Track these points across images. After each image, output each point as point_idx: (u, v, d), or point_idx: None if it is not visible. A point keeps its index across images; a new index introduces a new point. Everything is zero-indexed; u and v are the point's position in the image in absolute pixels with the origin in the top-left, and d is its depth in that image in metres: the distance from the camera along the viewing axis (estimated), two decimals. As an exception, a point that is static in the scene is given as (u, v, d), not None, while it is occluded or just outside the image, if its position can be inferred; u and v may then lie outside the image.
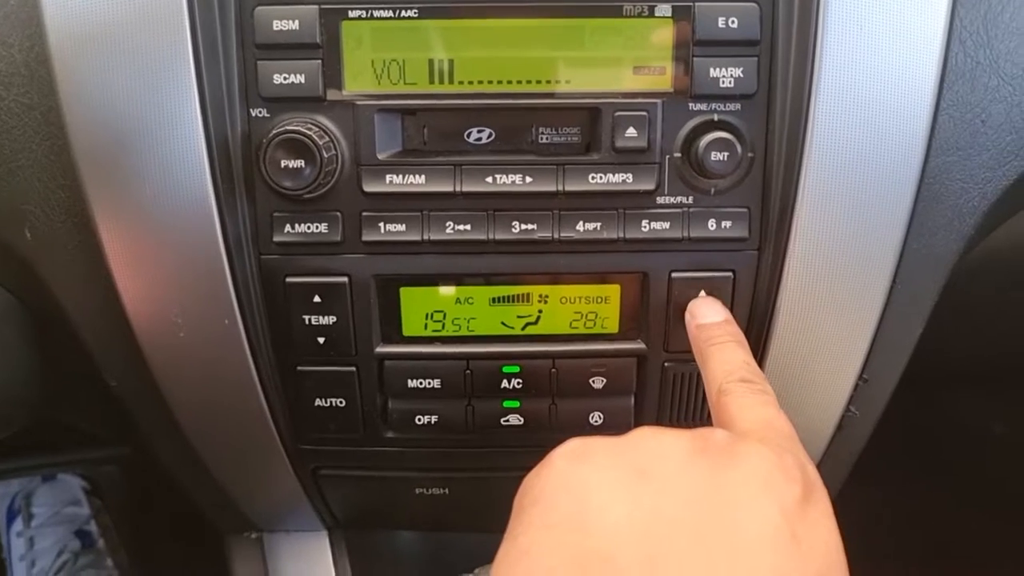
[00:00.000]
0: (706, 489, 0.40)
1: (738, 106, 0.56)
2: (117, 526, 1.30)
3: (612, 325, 0.61)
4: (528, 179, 0.57)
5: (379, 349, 0.61)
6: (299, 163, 0.54)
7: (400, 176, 0.56)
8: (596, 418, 0.63)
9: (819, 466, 0.68)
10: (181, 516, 0.85)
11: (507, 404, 0.63)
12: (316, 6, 0.54)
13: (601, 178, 0.57)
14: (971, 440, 1.29)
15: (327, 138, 0.55)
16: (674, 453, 0.42)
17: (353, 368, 0.61)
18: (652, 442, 0.43)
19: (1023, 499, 1.21)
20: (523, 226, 0.57)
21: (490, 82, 0.56)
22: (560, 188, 0.57)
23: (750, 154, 0.56)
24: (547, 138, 0.57)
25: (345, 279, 0.59)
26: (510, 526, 0.42)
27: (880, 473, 1.26)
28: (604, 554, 0.37)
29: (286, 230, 0.57)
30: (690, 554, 0.37)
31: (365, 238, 0.57)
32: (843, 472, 0.72)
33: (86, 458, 1.23)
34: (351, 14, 0.54)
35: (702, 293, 0.59)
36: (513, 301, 0.61)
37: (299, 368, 0.61)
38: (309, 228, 0.57)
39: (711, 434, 0.44)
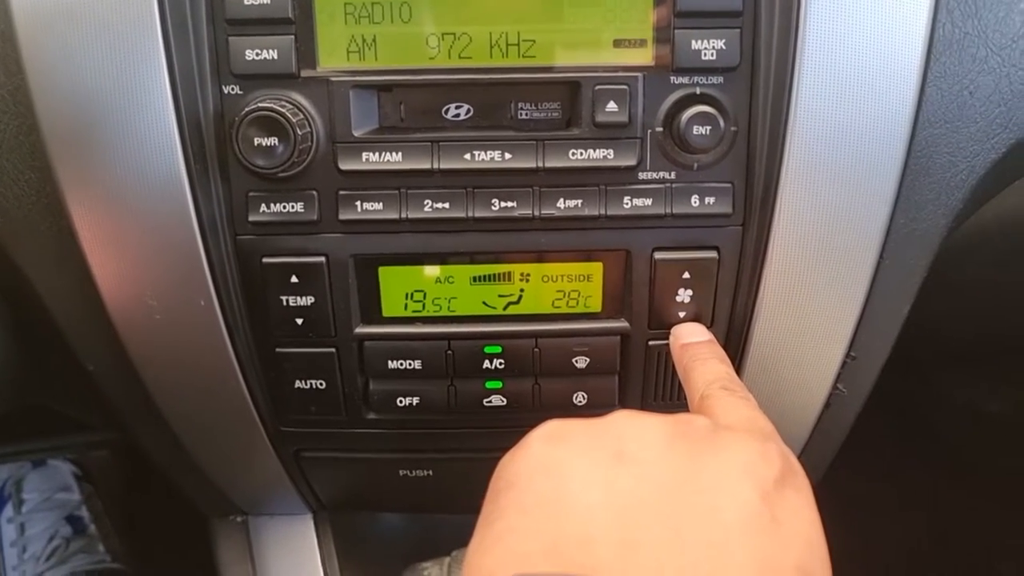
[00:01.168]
0: (685, 474, 0.40)
1: (720, 79, 0.55)
2: (108, 511, 1.30)
3: (595, 304, 0.60)
4: (507, 155, 0.55)
5: (359, 330, 0.60)
6: (272, 141, 0.53)
7: (377, 153, 0.55)
8: (580, 398, 0.63)
9: (806, 445, 0.68)
10: (172, 500, 0.85)
11: (489, 384, 0.62)
12: (288, -21, 0.53)
13: (582, 154, 0.55)
14: (962, 420, 1.28)
15: (301, 115, 0.54)
16: (653, 437, 0.42)
17: (333, 350, 0.60)
18: (631, 426, 0.43)
19: (1015, 479, 1.21)
20: (503, 204, 0.56)
21: (468, 57, 0.55)
22: (540, 164, 0.56)
23: (733, 128, 0.55)
24: (526, 114, 0.56)
25: (323, 259, 0.58)
26: (484, 510, 0.41)
27: (871, 453, 1.26)
28: (580, 538, 0.37)
29: (261, 210, 0.56)
30: (667, 538, 0.37)
31: (342, 217, 0.56)
32: (831, 451, 0.71)
33: (76, 443, 1.22)
34: (324, -13, 0.53)
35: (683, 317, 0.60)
36: (494, 280, 0.60)
37: (278, 350, 0.61)
38: (285, 208, 0.56)
39: (693, 420, 0.44)
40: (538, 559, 0.36)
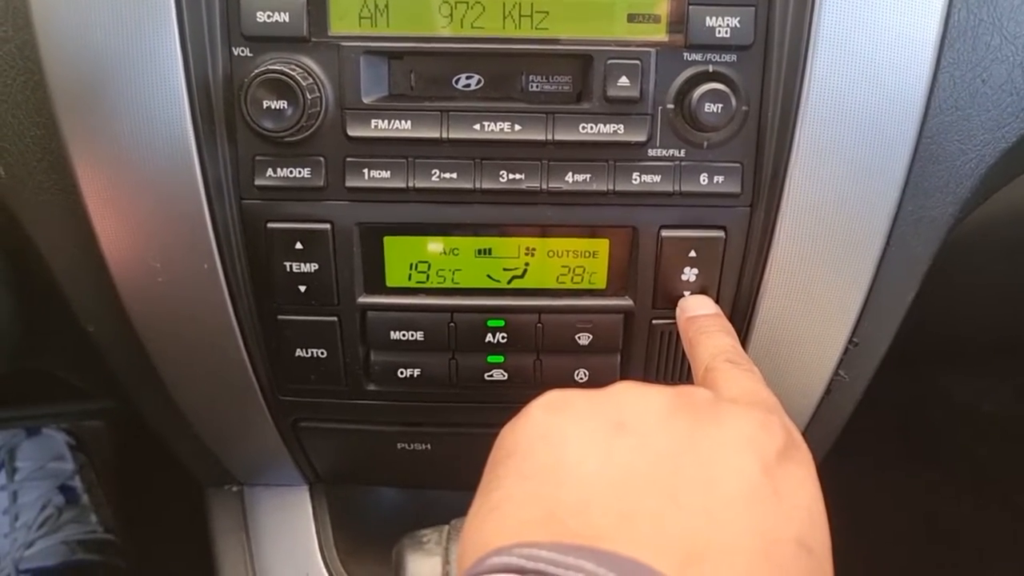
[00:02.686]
0: (684, 445, 0.39)
1: (734, 57, 0.54)
2: (101, 482, 1.30)
3: (600, 281, 0.60)
4: (517, 127, 0.55)
5: (361, 299, 0.60)
6: (281, 104, 0.53)
7: (385, 121, 0.55)
8: (581, 375, 0.62)
9: (805, 431, 0.68)
10: (166, 471, 0.85)
11: (491, 359, 0.62)
12: (301, -59, 0.52)
13: (592, 128, 0.55)
14: (960, 418, 1.29)
15: (311, 80, 0.53)
16: (654, 408, 0.41)
17: (335, 318, 0.60)
18: (633, 396, 0.42)
19: (1012, 478, 1.21)
20: (511, 176, 0.56)
21: (480, 27, 0.54)
22: (549, 137, 0.55)
23: (744, 107, 0.55)
24: (537, 86, 0.56)
25: (327, 226, 0.57)
26: (484, 479, 0.41)
27: (869, 450, 1.26)
28: (577, 507, 0.37)
29: (268, 174, 0.56)
30: (665, 507, 0.36)
31: (348, 184, 0.56)
32: (829, 438, 0.71)
33: (71, 411, 1.22)
34: (337, -49, 0.53)
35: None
36: (499, 253, 0.59)
37: (280, 317, 0.60)
38: (291, 172, 0.56)
39: (695, 392, 0.44)
40: (535, 527, 0.36)
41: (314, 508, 0.75)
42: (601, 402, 0.42)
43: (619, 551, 0.34)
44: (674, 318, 0.61)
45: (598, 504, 0.37)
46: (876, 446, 1.31)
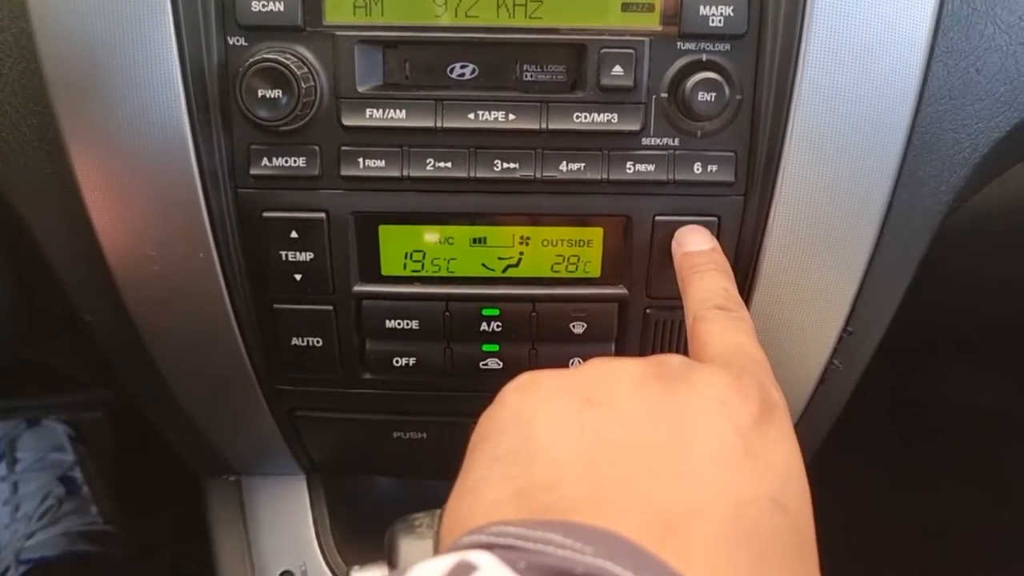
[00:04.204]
0: (655, 413, 0.39)
1: (727, 46, 0.54)
2: (101, 473, 1.30)
3: (594, 269, 0.60)
4: (511, 116, 0.55)
5: (357, 288, 0.60)
6: (276, 93, 0.53)
7: (380, 110, 0.55)
8: (576, 364, 0.63)
9: (800, 420, 0.68)
10: (165, 463, 0.85)
11: (486, 348, 0.62)
12: (295, -71, 0.52)
13: (586, 117, 0.55)
14: (957, 411, 1.29)
15: (306, 68, 0.54)
16: (624, 380, 0.41)
17: (330, 307, 0.60)
18: (603, 370, 0.42)
19: (1009, 471, 1.22)
20: (505, 164, 0.56)
21: (475, 16, 0.55)
22: (544, 126, 0.55)
23: (738, 96, 0.55)
24: (531, 75, 0.56)
25: (323, 215, 0.57)
26: (464, 464, 0.41)
27: (866, 443, 1.26)
28: (548, 483, 0.37)
29: (263, 163, 0.56)
30: (636, 477, 0.36)
31: (343, 173, 0.56)
32: (824, 427, 0.71)
33: (70, 402, 1.22)
34: (331, -61, 0.53)
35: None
36: (494, 242, 0.60)
37: (275, 306, 0.61)
38: (287, 162, 0.56)
39: (667, 360, 0.43)
40: (507, 506, 0.36)
41: (311, 498, 0.76)
42: (571, 378, 0.42)
43: (589, 522, 0.33)
44: (668, 308, 0.61)
45: (569, 478, 0.37)
46: (873, 439, 1.31)
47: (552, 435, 0.39)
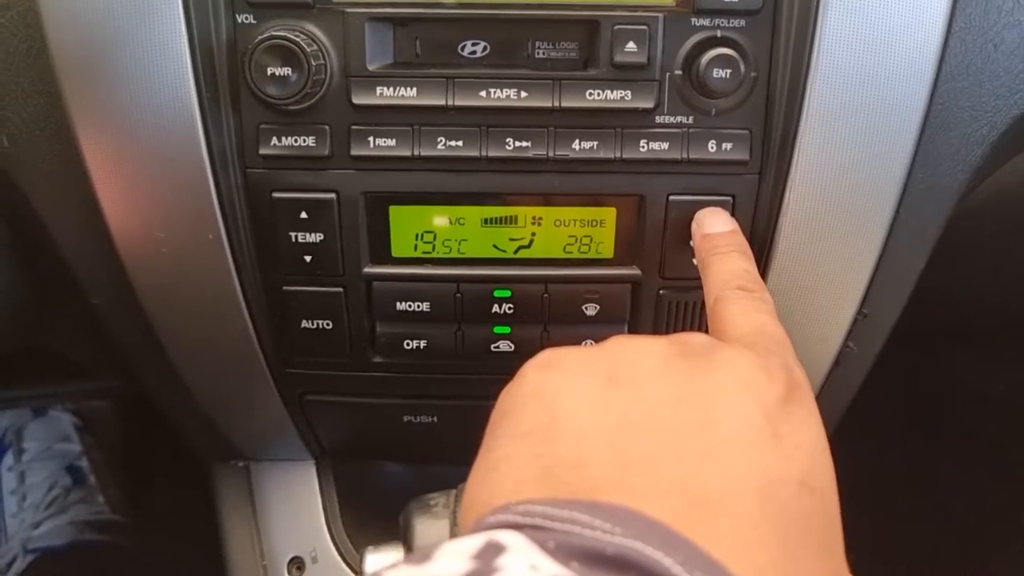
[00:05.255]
0: (680, 392, 0.39)
1: (742, 22, 0.54)
2: (108, 462, 1.30)
3: (607, 250, 0.60)
4: (523, 94, 0.55)
5: (367, 269, 0.59)
6: (286, 71, 0.52)
7: (391, 88, 0.55)
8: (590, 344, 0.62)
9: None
10: (172, 452, 0.85)
11: (498, 330, 0.62)
12: (304, -95, 0.52)
13: (599, 95, 0.55)
14: (969, 400, 1.28)
15: (315, 46, 0.53)
16: (647, 358, 0.41)
17: (340, 289, 0.60)
18: (625, 348, 0.42)
19: (1021, 457, 1.21)
20: (517, 143, 0.56)
21: (486, -8, 0.54)
22: (556, 104, 0.55)
23: (753, 74, 0.54)
24: (544, 52, 0.56)
25: (333, 195, 0.57)
26: (484, 441, 0.41)
27: (878, 432, 1.26)
28: (574, 461, 0.36)
29: (272, 143, 0.56)
30: (662, 457, 0.36)
31: (354, 152, 0.56)
32: (838, 410, 0.71)
33: (77, 391, 1.22)
34: (340, -86, 0.52)
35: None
36: (506, 223, 0.59)
37: (285, 288, 0.60)
38: (296, 141, 0.56)
39: (690, 338, 0.43)
40: (532, 485, 0.36)
41: (321, 483, 0.75)
42: (594, 356, 0.41)
43: (615, 501, 0.33)
44: (682, 289, 0.60)
45: (594, 457, 0.36)
46: (885, 426, 1.31)
47: (576, 413, 0.38)
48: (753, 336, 0.45)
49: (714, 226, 0.56)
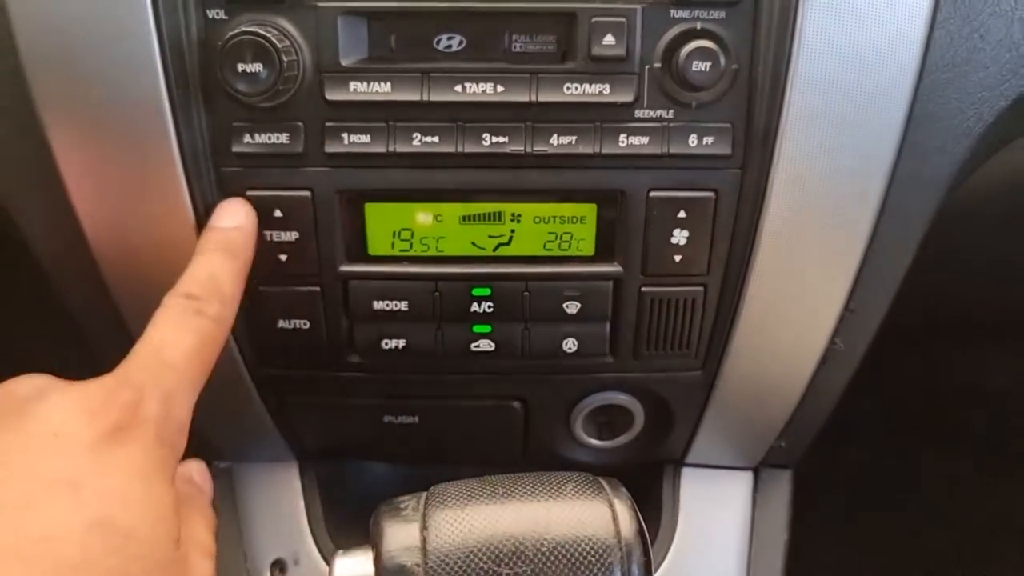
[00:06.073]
0: None
1: (723, 14, 0.53)
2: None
3: (588, 247, 0.59)
4: (500, 88, 0.54)
5: (343, 268, 0.59)
6: (257, 67, 0.51)
7: (365, 84, 0.54)
8: (570, 345, 0.61)
9: (801, 402, 0.66)
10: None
11: (477, 329, 0.61)
12: None
13: (577, 88, 0.54)
14: (965, 396, 1.27)
15: (287, 42, 0.52)
16: None
17: (317, 288, 0.59)
18: None
19: (1018, 455, 1.20)
20: (494, 139, 0.55)
21: (461, -15, 0.53)
22: (533, 98, 0.54)
23: (734, 66, 0.54)
24: (521, 46, 0.55)
25: (307, 193, 0.56)
26: None
27: (873, 430, 1.25)
28: None
29: (245, 140, 0.55)
30: None
31: (328, 150, 0.55)
32: (825, 411, 0.70)
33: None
34: (310, -93, 0.51)
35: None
36: (484, 220, 0.58)
37: (261, 288, 0.59)
38: (269, 139, 0.55)
39: (16, 387, 0.44)
40: None
41: (303, 485, 0.74)
42: None
43: None
44: (664, 286, 0.59)
45: None
46: (877, 425, 1.30)
47: None
48: (144, 355, 0.45)
49: (222, 219, 0.55)
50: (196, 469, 0.54)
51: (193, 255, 0.52)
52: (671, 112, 0.54)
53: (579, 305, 0.60)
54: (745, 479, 0.75)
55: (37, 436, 0.40)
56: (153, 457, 0.42)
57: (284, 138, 0.55)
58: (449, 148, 0.55)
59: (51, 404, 0.41)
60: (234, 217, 0.55)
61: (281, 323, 0.60)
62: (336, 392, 0.65)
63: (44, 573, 0.36)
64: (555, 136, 0.55)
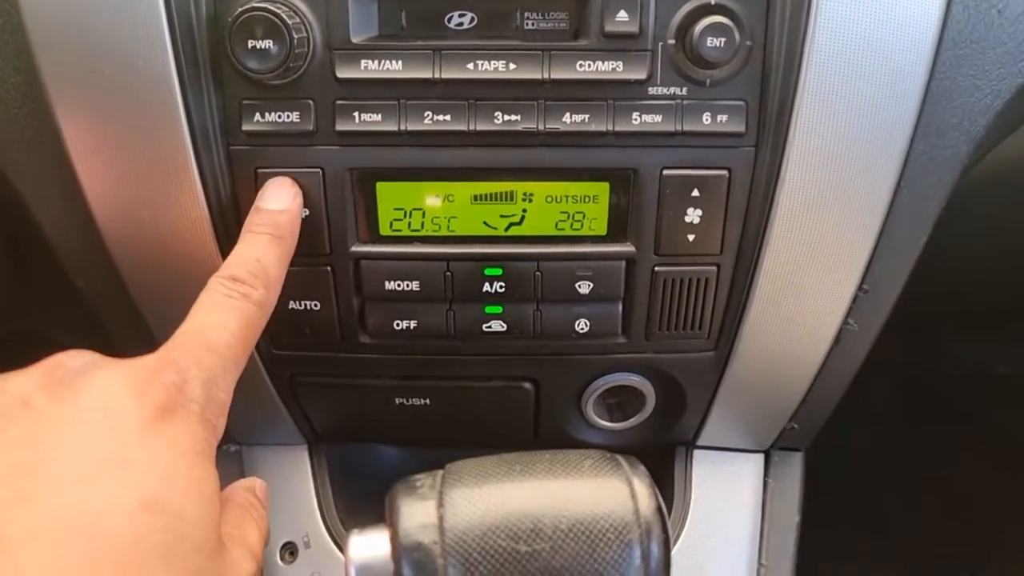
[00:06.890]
0: (19, 434, 0.39)
1: None
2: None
3: (600, 226, 0.58)
4: (512, 66, 0.53)
5: (355, 248, 0.58)
6: (267, 43, 0.51)
7: (376, 61, 0.53)
8: (582, 325, 0.61)
9: (814, 382, 0.66)
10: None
11: (489, 309, 0.60)
12: None
13: (589, 66, 0.53)
14: (971, 382, 1.27)
15: (298, 19, 0.51)
16: (15, 391, 0.41)
17: (328, 267, 0.59)
18: None
19: (1020, 440, 1.20)
20: (506, 116, 0.54)
21: (472, -39, 0.52)
22: (546, 76, 0.53)
23: (748, 42, 0.53)
24: (533, 23, 0.54)
25: (318, 171, 0.55)
26: None
27: (880, 416, 1.25)
28: None
29: (256, 119, 0.54)
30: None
31: (339, 128, 0.54)
32: (838, 392, 0.69)
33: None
34: None
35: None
36: (496, 199, 0.58)
37: (272, 268, 0.59)
38: (280, 117, 0.54)
39: (65, 361, 0.43)
40: None
41: (313, 467, 0.74)
42: None
43: None
44: (678, 265, 0.59)
45: None
46: (887, 410, 1.30)
47: None
48: (188, 337, 0.46)
49: (270, 201, 0.54)
50: (259, 486, 0.54)
51: (240, 235, 0.52)
52: (685, 89, 0.54)
53: (591, 285, 0.59)
54: (757, 461, 0.75)
55: (89, 411, 0.40)
56: (197, 438, 0.42)
57: (294, 116, 0.54)
58: (461, 126, 0.54)
59: (102, 380, 0.41)
60: (282, 199, 0.54)
61: (292, 304, 0.60)
62: (347, 373, 0.65)
63: (99, 549, 0.36)
64: (568, 114, 0.54)
